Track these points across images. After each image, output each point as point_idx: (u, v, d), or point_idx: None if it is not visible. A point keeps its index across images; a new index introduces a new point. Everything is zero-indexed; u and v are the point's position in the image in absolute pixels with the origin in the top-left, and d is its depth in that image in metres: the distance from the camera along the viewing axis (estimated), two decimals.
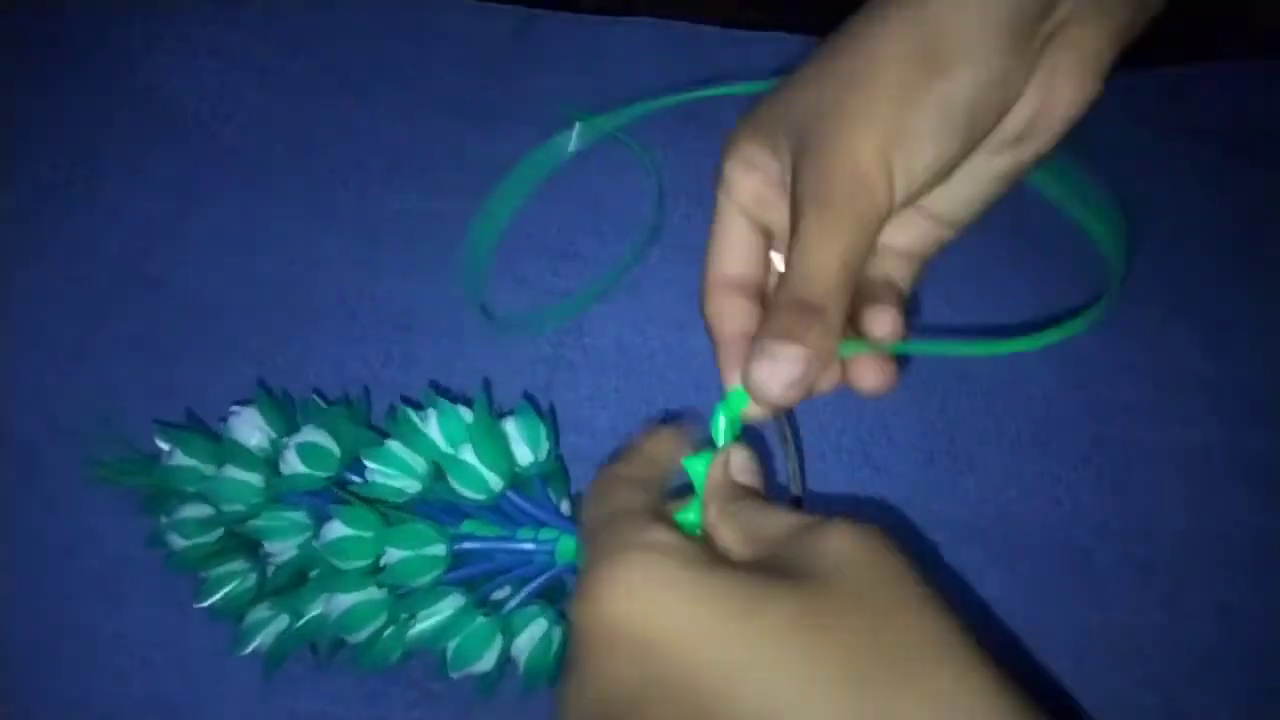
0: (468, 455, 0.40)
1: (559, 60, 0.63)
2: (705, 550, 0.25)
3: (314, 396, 0.45)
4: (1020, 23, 0.27)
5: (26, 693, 0.40)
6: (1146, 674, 0.43)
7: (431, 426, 0.42)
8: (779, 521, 0.27)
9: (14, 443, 0.46)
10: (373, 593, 0.40)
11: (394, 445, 0.41)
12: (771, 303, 0.29)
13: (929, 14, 0.27)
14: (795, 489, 0.36)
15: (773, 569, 0.24)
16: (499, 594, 0.42)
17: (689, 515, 0.31)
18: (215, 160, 0.56)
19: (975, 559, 0.46)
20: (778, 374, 0.28)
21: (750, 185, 0.32)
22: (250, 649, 0.40)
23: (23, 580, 0.42)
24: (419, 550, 0.39)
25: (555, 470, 0.44)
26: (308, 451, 0.41)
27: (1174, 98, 0.66)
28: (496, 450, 0.41)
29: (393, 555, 0.39)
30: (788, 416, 0.35)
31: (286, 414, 0.44)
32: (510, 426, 0.42)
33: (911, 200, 0.30)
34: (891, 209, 0.29)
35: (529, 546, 0.41)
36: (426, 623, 0.40)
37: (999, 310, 0.55)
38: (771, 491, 0.33)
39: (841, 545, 0.24)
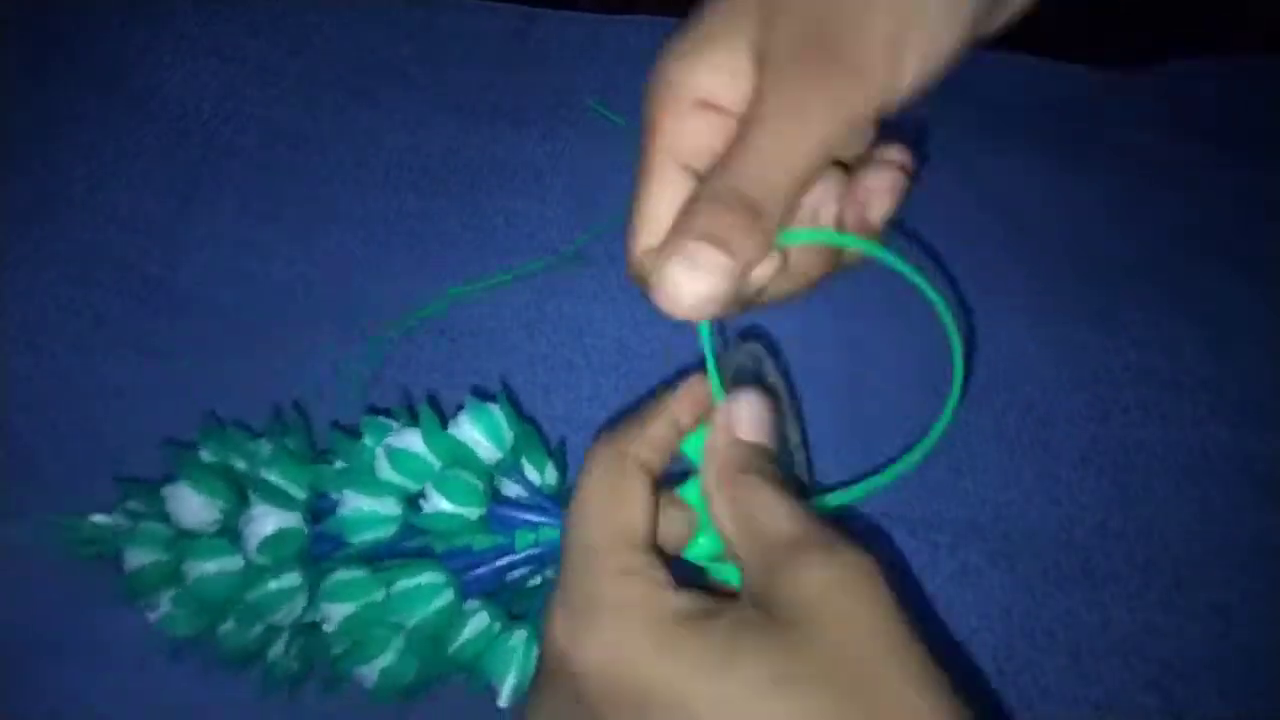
0: (448, 474, 0.38)
1: (560, 59, 0.63)
2: (682, 602, 0.24)
3: (257, 441, 0.41)
4: None
5: (26, 693, 0.40)
6: (1146, 674, 0.43)
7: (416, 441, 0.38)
8: (780, 525, 0.24)
9: (14, 443, 0.46)
10: (395, 654, 0.38)
11: (359, 489, 0.38)
12: (701, 187, 0.24)
13: None
14: (801, 473, 0.33)
15: (752, 611, 0.23)
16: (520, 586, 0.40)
17: (690, 493, 0.28)
18: (215, 160, 0.56)
19: (975, 559, 0.46)
20: (693, 284, 0.23)
21: (694, 134, 0.25)
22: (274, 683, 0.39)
23: (22, 580, 0.42)
24: (429, 608, 0.37)
25: (528, 446, 0.41)
26: (270, 544, 0.38)
27: (1174, 95, 0.66)
28: (467, 466, 0.38)
29: (405, 618, 0.37)
30: (789, 391, 0.32)
31: (226, 480, 0.40)
32: (463, 430, 0.39)
33: (913, 95, 0.25)
34: (889, 108, 0.24)
35: (534, 552, 0.38)
36: (459, 651, 0.38)
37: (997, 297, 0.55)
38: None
39: (826, 586, 0.23)
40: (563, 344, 0.51)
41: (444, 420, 0.40)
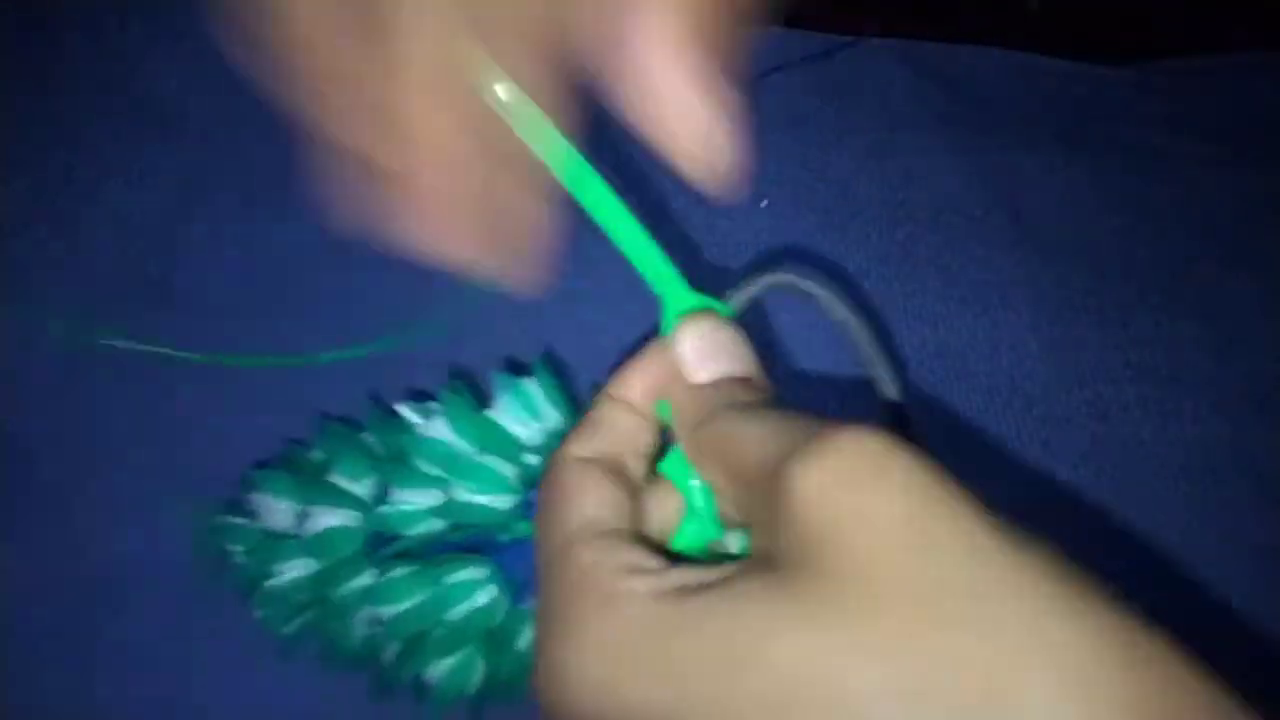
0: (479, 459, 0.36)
1: None
2: (680, 579, 0.19)
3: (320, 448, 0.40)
4: None
5: (26, 693, 0.40)
6: None
7: (439, 428, 0.37)
8: (760, 453, 0.19)
9: (14, 443, 0.46)
10: (458, 654, 0.36)
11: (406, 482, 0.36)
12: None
13: None
14: (889, 389, 0.26)
15: (754, 573, 0.18)
16: None
17: (669, 468, 0.24)
18: (215, 160, 0.56)
19: None
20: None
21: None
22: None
23: (22, 581, 0.42)
24: (474, 604, 0.35)
25: (578, 419, 0.39)
26: (325, 541, 0.37)
27: (1175, 92, 0.66)
28: (494, 445, 0.36)
29: (454, 615, 0.35)
30: (840, 300, 0.26)
31: (301, 483, 0.39)
32: (500, 410, 0.37)
33: None
34: None
35: None
36: (528, 651, 0.36)
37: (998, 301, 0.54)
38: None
39: (818, 496, 0.17)
40: (560, 341, 0.51)
41: (485, 399, 0.37)
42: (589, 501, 0.22)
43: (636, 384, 0.25)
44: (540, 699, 0.19)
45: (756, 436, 0.20)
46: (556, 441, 0.36)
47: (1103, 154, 0.62)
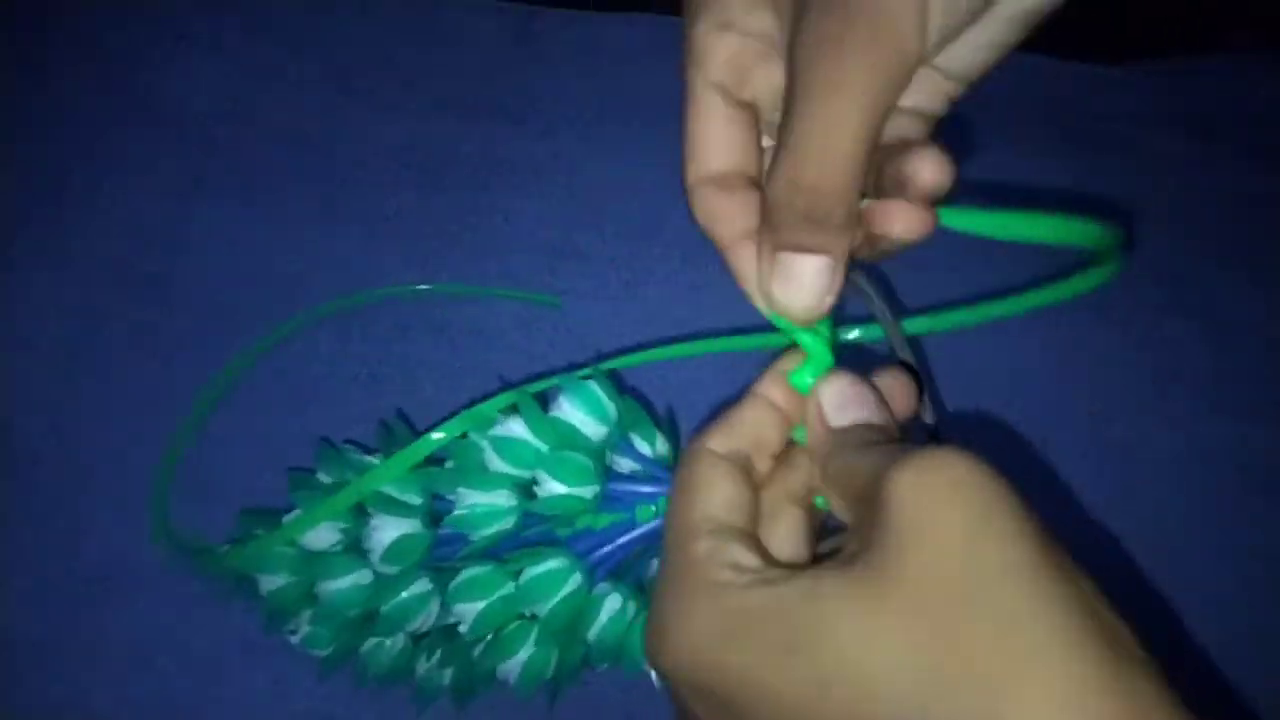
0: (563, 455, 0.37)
1: (559, 58, 0.63)
2: (770, 575, 0.23)
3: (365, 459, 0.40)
4: None
5: (26, 693, 0.40)
6: None
7: (517, 429, 0.38)
8: (865, 472, 0.22)
9: (14, 443, 0.46)
10: (534, 647, 0.37)
11: (472, 483, 0.37)
12: (771, 192, 0.24)
13: None
14: (925, 414, 0.29)
15: (833, 570, 0.21)
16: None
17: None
18: (215, 160, 0.56)
19: None
20: (801, 292, 0.25)
21: (727, 51, 0.26)
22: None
23: (23, 580, 0.42)
24: (559, 594, 0.36)
25: (635, 420, 0.40)
26: (394, 551, 0.37)
27: (1173, 92, 0.66)
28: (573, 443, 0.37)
29: (537, 607, 0.36)
30: (889, 309, 0.29)
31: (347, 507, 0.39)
32: (565, 411, 0.38)
33: (940, 47, 0.24)
34: (922, 57, 0.23)
35: (657, 524, 0.37)
36: (598, 637, 0.37)
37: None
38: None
39: (906, 500, 0.20)
40: (560, 343, 0.51)
41: (544, 405, 0.39)
42: (714, 498, 0.25)
43: (781, 388, 0.27)
44: (649, 656, 0.24)
45: (870, 462, 0.23)
46: (620, 436, 0.39)
47: (1101, 153, 0.62)
